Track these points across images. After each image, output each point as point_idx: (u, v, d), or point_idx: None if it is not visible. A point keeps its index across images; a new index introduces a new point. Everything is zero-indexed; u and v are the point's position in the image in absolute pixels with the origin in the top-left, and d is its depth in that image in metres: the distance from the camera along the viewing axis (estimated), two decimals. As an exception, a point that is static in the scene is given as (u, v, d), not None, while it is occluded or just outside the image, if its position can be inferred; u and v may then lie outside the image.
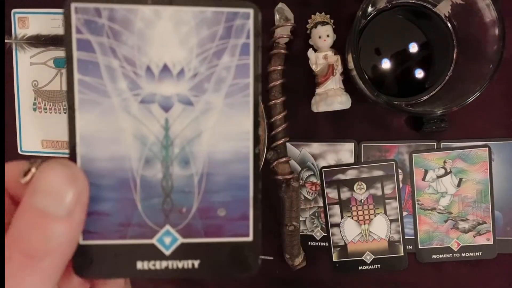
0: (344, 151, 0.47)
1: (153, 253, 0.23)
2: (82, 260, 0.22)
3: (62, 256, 0.20)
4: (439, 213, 0.47)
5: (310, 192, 0.47)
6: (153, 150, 0.22)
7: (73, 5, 0.22)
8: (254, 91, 0.23)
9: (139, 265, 0.23)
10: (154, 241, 0.23)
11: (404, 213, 0.47)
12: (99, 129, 0.22)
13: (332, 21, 0.45)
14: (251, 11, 0.22)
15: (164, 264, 0.23)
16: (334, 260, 0.47)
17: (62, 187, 0.19)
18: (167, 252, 0.23)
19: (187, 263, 0.23)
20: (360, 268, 0.47)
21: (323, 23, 0.44)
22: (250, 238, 0.23)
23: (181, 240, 0.23)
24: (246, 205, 0.23)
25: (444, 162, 0.46)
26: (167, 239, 0.23)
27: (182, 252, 0.23)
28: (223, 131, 0.23)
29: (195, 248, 0.23)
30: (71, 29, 0.22)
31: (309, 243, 0.47)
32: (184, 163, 0.23)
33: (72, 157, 0.22)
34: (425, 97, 0.44)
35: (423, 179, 0.47)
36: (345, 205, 0.47)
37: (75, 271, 0.22)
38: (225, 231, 0.23)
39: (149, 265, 0.23)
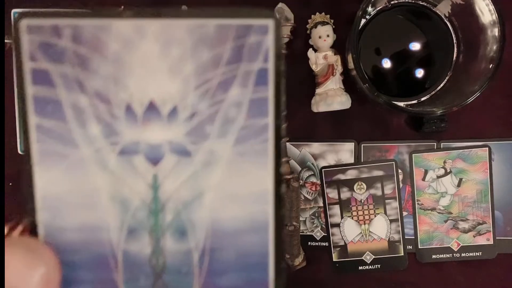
0: (344, 151, 0.47)
1: None
2: None
3: None
4: (439, 213, 0.47)
5: (310, 192, 0.47)
6: (138, 217, 0.17)
7: (24, 22, 0.16)
8: (275, 135, 0.17)
9: None
10: None
11: (404, 213, 0.47)
12: (66, 190, 0.17)
13: (332, 21, 0.45)
14: (270, 22, 0.16)
15: None
16: (334, 260, 0.47)
17: (23, 277, 0.15)
18: None
19: None
20: (360, 268, 0.47)
21: (323, 23, 0.44)
22: None
23: None
24: None
25: (444, 162, 0.46)
26: None
27: None
28: (232, 190, 0.17)
29: None
30: (22, 55, 0.17)
31: (309, 243, 0.47)
32: (179, 234, 0.17)
33: (32, 226, 0.17)
34: (425, 97, 0.44)
35: (423, 179, 0.47)
36: (345, 205, 0.47)
37: None
38: None
39: None
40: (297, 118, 0.46)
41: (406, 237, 0.47)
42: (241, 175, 0.17)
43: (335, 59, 0.43)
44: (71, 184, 0.17)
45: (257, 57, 0.17)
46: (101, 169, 0.17)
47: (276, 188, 0.17)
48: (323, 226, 0.47)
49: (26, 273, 0.15)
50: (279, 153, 0.17)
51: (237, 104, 0.17)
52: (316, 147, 0.47)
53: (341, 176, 0.46)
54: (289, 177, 0.43)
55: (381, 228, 0.46)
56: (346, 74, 0.44)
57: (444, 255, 0.47)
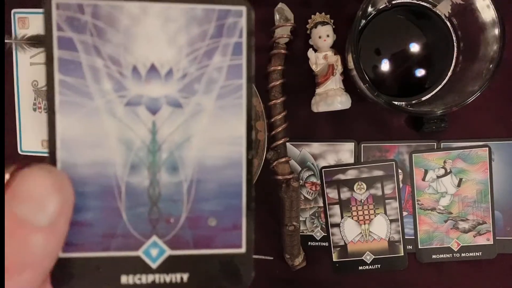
0: (344, 151, 0.47)
1: (139, 266, 0.21)
2: (62, 275, 0.20)
3: (40, 269, 0.18)
4: (439, 213, 0.47)
5: (310, 192, 0.47)
6: (139, 155, 0.21)
7: (54, 1, 0.20)
8: (247, 93, 0.22)
9: (124, 279, 0.21)
10: (140, 253, 0.21)
11: (404, 213, 0.47)
12: (81, 133, 0.21)
13: (332, 21, 0.45)
14: (244, 9, 0.21)
15: (150, 278, 0.21)
16: (334, 260, 0.47)
17: (45, 194, 0.18)
18: (154, 265, 0.21)
19: (175, 277, 0.22)
20: (360, 268, 0.47)
21: (323, 23, 0.44)
22: (243, 250, 0.22)
23: (169, 252, 0.22)
24: (238, 214, 0.22)
25: (444, 162, 0.46)
26: (154, 251, 0.21)
27: (170, 264, 0.21)
28: (214, 135, 0.22)
29: (183, 261, 0.22)
30: (52, 26, 0.20)
31: (309, 243, 0.47)
32: (172, 169, 0.21)
33: (52, 162, 0.21)
34: (425, 97, 0.44)
35: (423, 179, 0.47)
36: (345, 205, 0.47)
37: (54, 286, 0.20)
38: (216, 242, 0.22)
39: (134, 279, 0.21)
40: (297, 118, 0.46)
41: (406, 237, 0.47)
42: (221, 123, 0.22)
43: (335, 59, 0.43)
44: (86, 128, 0.21)
45: (234, 34, 0.22)
46: (111, 116, 0.21)
47: (248, 134, 0.22)
48: (323, 226, 0.47)
49: (45, 196, 0.18)
50: (250, 108, 0.22)
51: (219, 68, 0.22)
52: (316, 147, 0.47)
53: (341, 176, 0.46)
54: (289, 177, 0.43)
55: (381, 228, 0.46)
56: (346, 74, 0.44)
57: (444, 255, 0.47)
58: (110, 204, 0.21)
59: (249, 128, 0.22)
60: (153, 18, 0.21)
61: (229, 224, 0.22)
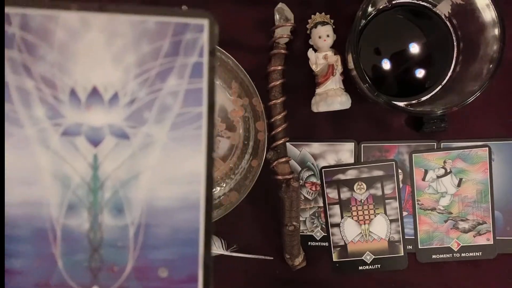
0: (344, 151, 0.47)
1: None
2: None
3: None
4: (439, 213, 0.47)
5: (310, 192, 0.47)
6: (77, 194, 0.18)
7: None
8: (208, 122, 0.18)
9: None
10: None
11: (404, 213, 0.47)
12: (9, 167, 0.18)
13: (332, 21, 0.45)
14: (205, 22, 0.18)
15: None
16: (334, 260, 0.47)
17: None
18: None
19: None
20: (360, 268, 0.47)
21: (323, 23, 0.44)
22: None
23: None
24: (194, 264, 0.19)
25: (444, 162, 0.46)
26: None
27: None
28: (167, 171, 0.18)
29: None
30: None
31: (309, 243, 0.47)
32: (116, 210, 0.18)
33: None
34: (425, 97, 0.44)
35: (423, 179, 0.47)
36: (345, 205, 0.47)
37: None
38: None
39: None
40: (297, 118, 0.46)
41: (406, 237, 0.47)
42: (176, 158, 0.18)
43: (335, 59, 0.43)
44: (15, 161, 0.18)
45: (193, 52, 0.18)
46: (44, 148, 0.18)
47: (208, 170, 0.19)
48: (323, 226, 0.47)
49: None
50: (212, 139, 0.19)
51: (174, 93, 0.18)
52: (316, 147, 0.47)
53: (341, 176, 0.46)
54: (289, 177, 0.43)
55: (381, 228, 0.46)
56: (346, 74, 0.44)
57: (444, 255, 0.47)
58: (44, 250, 0.18)
59: (210, 163, 0.19)
60: (95, 32, 0.18)
61: (183, 275, 0.19)
